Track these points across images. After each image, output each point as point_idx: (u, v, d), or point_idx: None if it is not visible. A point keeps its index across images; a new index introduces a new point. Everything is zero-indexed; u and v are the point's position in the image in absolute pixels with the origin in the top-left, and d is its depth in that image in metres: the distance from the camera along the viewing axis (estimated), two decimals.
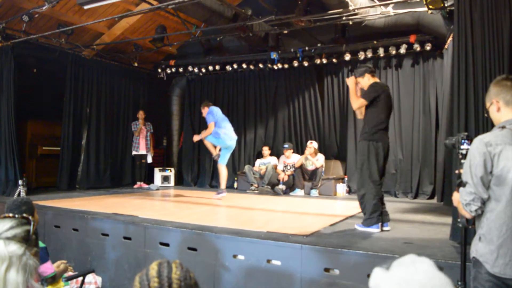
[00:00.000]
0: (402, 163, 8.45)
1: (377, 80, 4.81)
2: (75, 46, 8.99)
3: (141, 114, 9.91)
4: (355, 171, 4.97)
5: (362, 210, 4.68)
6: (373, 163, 4.54)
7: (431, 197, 8.04)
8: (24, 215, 1.75)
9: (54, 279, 2.99)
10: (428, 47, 7.91)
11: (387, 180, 8.47)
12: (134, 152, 9.88)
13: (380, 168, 4.58)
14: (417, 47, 8.01)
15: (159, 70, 10.89)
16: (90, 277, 3.40)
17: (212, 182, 10.54)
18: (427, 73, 8.32)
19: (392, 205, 7.01)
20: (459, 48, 4.01)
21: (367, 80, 4.73)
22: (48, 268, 2.93)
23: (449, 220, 4.31)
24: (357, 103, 4.67)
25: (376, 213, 4.53)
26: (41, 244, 2.86)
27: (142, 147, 9.88)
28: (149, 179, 10.26)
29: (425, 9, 6.19)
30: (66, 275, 3.21)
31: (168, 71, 10.83)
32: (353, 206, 6.58)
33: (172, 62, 10.76)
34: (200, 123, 10.89)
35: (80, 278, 3.21)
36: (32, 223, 1.70)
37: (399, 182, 8.45)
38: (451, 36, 6.06)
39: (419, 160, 8.27)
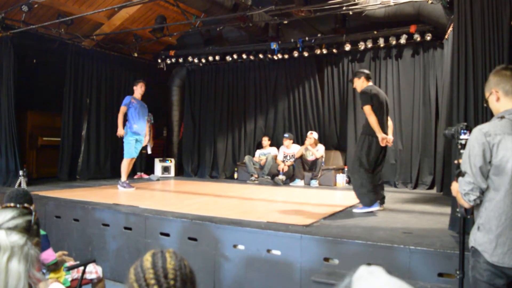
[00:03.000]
0: (402, 153, 8.46)
1: (370, 83, 5.41)
2: (74, 37, 8.96)
3: None
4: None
5: (356, 195, 5.20)
6: (364, 154, 5.09)
7: (431, 187, 8.06)
8: (26, 205, 1.76)
9: (56, 266, 3.02)
10: (428, 37, 7.88)
11: (386, 170, 8.51)
12: None
13: (372, 159, 5.10)
14: (417, 37, 7.98)
15: (159, 61, 10.85)
16: (90, 267, 3.42)
17: (212, 173, 10.57)
18: (427, 63, 8.30)
19: (391, 195, 7.04)
20: (459, 38, 4.00)
21: (361, 82, 5.39)
22: (50, 255, 2.95)
23: (448, 210, 4.34)
24: (369, 115, 5.07)
25: (372, 193, 5.06)
26: (41, 232, 2.88)
27: None
28: (150, 170, 10.27)
29: None
30: (67, 264, 3.24)
31: (168, 61, 10.79)
32: (353, 197, 6.60)
33: (172, 53, 10.72)
34: (200, 114, 10.91)
35: (81, 268, 3.23)
36: (33, 213, 1.71)
37: (399, 172, 8.47)
38: (451, 26, 6.04)
39: (419, 151, 8.28)
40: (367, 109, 5.06)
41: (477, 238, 2.26)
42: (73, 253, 5.10)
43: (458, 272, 2.66)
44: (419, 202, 6.34)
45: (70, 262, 3.28)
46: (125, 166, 7.48)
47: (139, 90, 7.62)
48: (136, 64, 10.81)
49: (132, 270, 1.27)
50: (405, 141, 8.47)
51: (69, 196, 6.21)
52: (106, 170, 9.83)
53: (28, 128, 8.87)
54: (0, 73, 7.82)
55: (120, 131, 7.46)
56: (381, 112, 5.16)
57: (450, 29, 6.38)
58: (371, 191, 5.07)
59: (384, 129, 5.17)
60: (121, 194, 6.83)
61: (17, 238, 1.55)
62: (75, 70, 9.27)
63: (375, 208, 5.11)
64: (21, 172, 7.24)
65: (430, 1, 6.23)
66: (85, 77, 9.50)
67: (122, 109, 7.44)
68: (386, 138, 5.08)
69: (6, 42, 7.80)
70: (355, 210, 5.21)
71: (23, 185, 7.03)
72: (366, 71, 5.54)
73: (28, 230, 1.62)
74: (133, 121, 7.47)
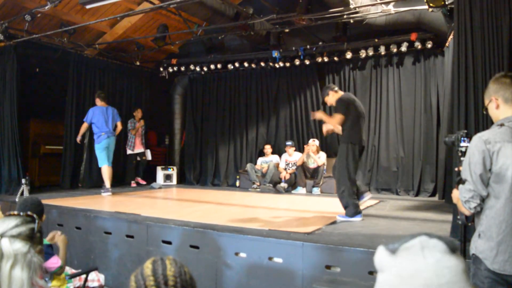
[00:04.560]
0: (404, 160, 8.46)
1: (341, 93, 5.52)
2: (77, 45, 9.02)
3: (139, 113, 9.93)
4: (336, 169, 5.40)
5: (343, 204, 5.21)
6: (351, 163, 5.13)
7: (433, 194, 8.04)
8: (29, 213, 1.78)
9: (62, 270, 3.02)
10: (429, 45, 7.91)
11: (388, 177, 8.53)
12: (129, 151, 9.87)
13: (355, 168, 5.24)
14: (418, 45, 8.01)
15: (161, 69, 10.90)
16: (93, 275, 3.43)
17: (214, 181, 10.58)
18: (428, 71, 8.32)
19: (393, 202, 7.04)
20: (459, 46, 4.02)
21: (331, 97, 5.45)
22: (54, 263, 2.95)
23: (450, 217, 4.33)
24: (336, 120, 5.21)
25: (356, 204, 5.17)
26: (45, 242, 2.89)
27: (138, 146, 9.90)
28: (152, 178, 10.28)
29: (426, 7, 6.19)
30: (69, 272, 3.24)
31: (170, 70, 10.84)
32: None
33: (174, 61, 10.77)
34: (203, 122, 10.94)
35: (83, 276, 3.24)
36: (36, 221, 1.72)
37: (400, 179, 8.46)
38: (452, 34, 6.07)
39: (420, 158, 8.28)
40: (339, 117, 5.16)
41: (478, 246, 2.26)
42: (75, 261, 5.11)
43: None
44: (421, 209, 6.33)
45: (72, 270, 3.29)
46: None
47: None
48: (138, 73, 10.87)
49: (132, 278, 1.28)
50: (407, 149, 8.47)
51: (71, 204, 6.22)
52: None
53: (31, 137, 8.90)
54: (3, 82, 7.87)
55: None
56: (358, 117, 5.23)
57: (451, 36, 6.40)
58: (356, 202, 5.18)
59: (362, 138, 5.29)
60: (123, 202, 6.84)
61: (20, 246, 1.56)
62: (77, 79, 9.31)
63: (358, 218, 5.13)
64: (23, 180, 7.24)
65: (430, 9, 6.26)
66: (88, 85, 9.54)
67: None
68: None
69: (9, 51, 7.86)
70: (338, 217, 5.21)
71: (26, 194, 7.03)
72: (327, 85, 5.83)
73: (31, 238, 1.64)
74: None
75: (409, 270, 0.88)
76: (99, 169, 9.57)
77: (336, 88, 5.54)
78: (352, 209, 5.13)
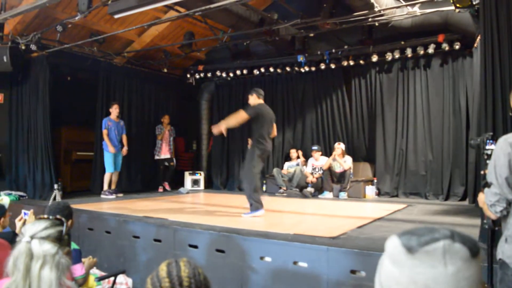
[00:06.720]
0: (433, 164, 8.31)
1: (261, 101, 6.12)
2: (106, 54, 9.25)
3: (166, 119, 10.07)
4: (242, 170, 6.31)
5: (249, 200, 5.76)
6: (257, 162, 5.78)
7: (463, 198, 7.86)
8: (58, 216, 1.85)
9: (84, 280, 3.09)
10: (457, 46, 7.77)
11: (417, 181, 8.38)
12: (156, 157, 10.03)
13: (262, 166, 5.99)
14: (445, 46, 7.88)
15: (188, 76, 11.07)
16: (121, 278, 3.50)
17: (241, 185, 10.61)
18: (456, 73, 8.17)
19: (422, 207, 6.93)
20: (485, 47, 3.96)
21: (253, 100, 6.10)
22: (77, 270, 3.03)
23: (479, 222, 4.24)
24: (240, 114, 5.89)
25: (260, 201, 5.74)
26: (75, 246, 2.98)
27: (164, 152, 10.02)
28: (179, 183, 10.40)
29: (453, 7, 6.09)
30: (98, 274, 3.33)
31: (197, 76, 10.99)
32: (383, 209, 6.55)
33: (200, 67, 10.91)
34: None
35: (112, 278, 3.31)
36: (64, 224, 1.79)
37: (429, 183, 8.30)
38: (480, 34, 5.95)
39: (450, 161, 8.11)
40: (242, 113, 5.82)
41: (505, 250, 2.21)
42: (105, 264, 5.21)
43: (486, 286, 2.60)
44: (450, 214, 6.21)
45: (101, 273, 3.37)
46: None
47: (114, 111, 8.64)
48: (166, 80, 11.05)
49: (149, 280, 1.34)
50: (436, 152, 8.32)
51: (101, 209, 6.37)
52: (137, 184, 10.01)
53: (63, 144, 9.17)
54: (37, 91, 8.15)
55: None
56: (267, 127, 5.88)
57: (479, 37, 6.28)
58: (259, 199, 5.78)
59: (269, 141, 5.96)
60: (151, 207, 6.94)
61: (49, 247, 1.63)
62: (107, 87, 9.56)
63: (261, 213, 5.68)
64: (56, 186, 7.46)
65: (457, 10, 6.15)
66: (117, 93, 9.77)
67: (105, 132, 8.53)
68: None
69: (42, 61, 8.15)
70: (244, 215, 5.69)
71: (58, 199, 7.24)
72: (259, 90, 6.27)
73: (60, 240, 1.71)
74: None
75: (425, 278, 0.81)
76: (128, 175, 9.84)
77: (260, 94, 6.14)
78: (255, 205, 5.67)
